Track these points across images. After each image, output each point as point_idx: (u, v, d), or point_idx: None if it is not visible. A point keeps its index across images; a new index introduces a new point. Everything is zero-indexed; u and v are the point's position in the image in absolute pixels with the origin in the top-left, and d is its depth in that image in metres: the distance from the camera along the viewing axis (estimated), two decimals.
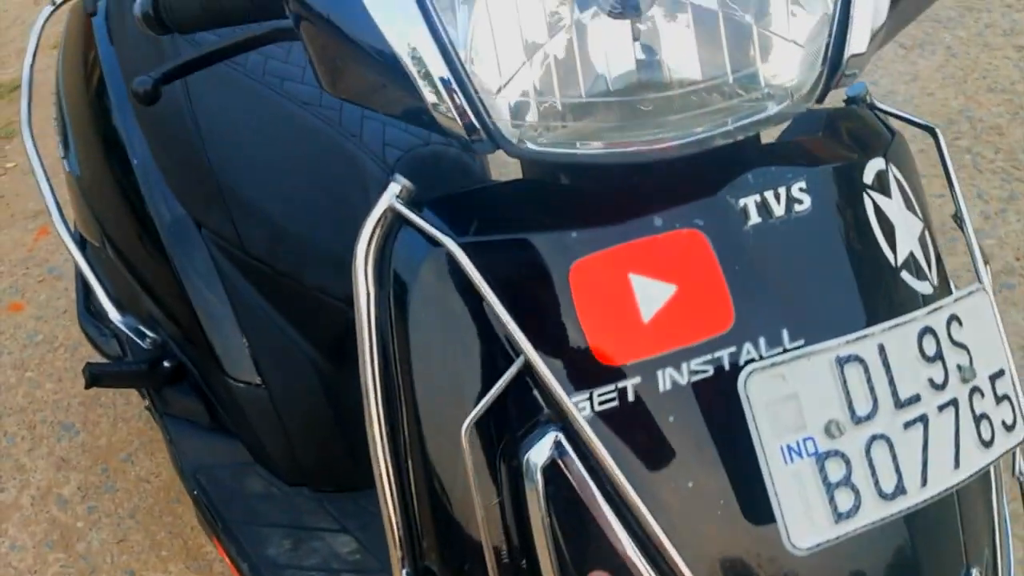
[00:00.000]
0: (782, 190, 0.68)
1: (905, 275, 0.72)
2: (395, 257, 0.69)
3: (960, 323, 0.68)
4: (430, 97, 0.62)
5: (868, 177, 0.73)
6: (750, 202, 0.67)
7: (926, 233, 0.77)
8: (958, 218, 0.80)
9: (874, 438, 0.63)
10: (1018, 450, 0.78)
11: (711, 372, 0.64)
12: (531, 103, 0.64)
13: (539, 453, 0.64)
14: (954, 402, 0.66)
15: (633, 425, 0.64)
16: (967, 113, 2.19)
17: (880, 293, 0.70)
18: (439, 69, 0.62)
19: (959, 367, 0.67)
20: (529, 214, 0.69)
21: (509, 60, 0.63)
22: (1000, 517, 0.76)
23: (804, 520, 0.62)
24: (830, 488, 0.62)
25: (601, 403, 0.64)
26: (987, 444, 0.67)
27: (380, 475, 0.69)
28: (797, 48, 0.64)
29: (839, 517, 0.62)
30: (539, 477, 0.63)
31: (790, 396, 0.62)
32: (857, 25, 0.62)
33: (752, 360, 0.64)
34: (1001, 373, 0.69)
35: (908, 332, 0.65)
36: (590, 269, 0.65)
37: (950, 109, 2.20)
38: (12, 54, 2.90)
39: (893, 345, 0.65)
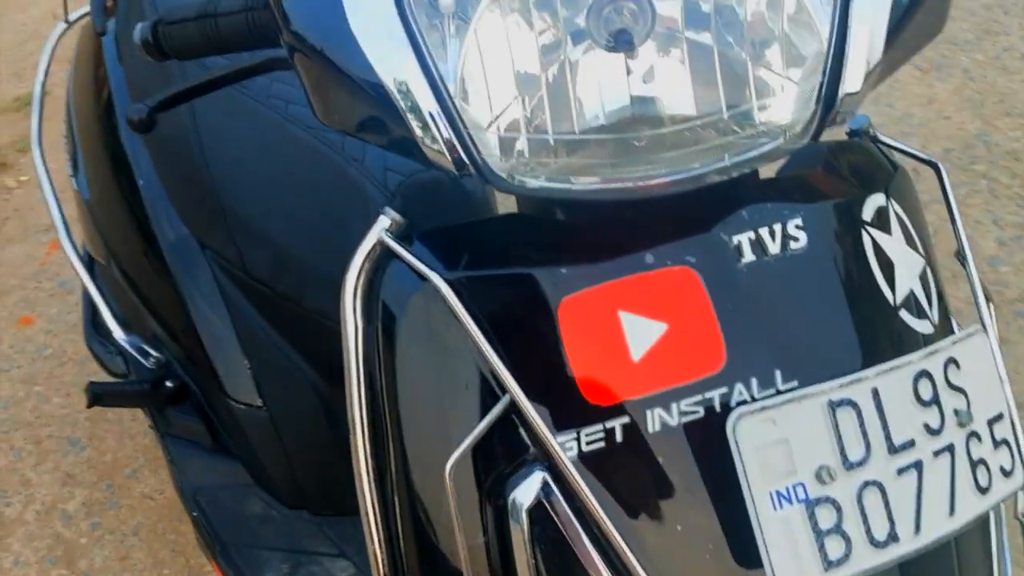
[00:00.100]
0: (777, 227, 0.67)
1: (904, 314, 0.71)
2: (384, 290, 0.68)
3: (958, 366, 0.66)
4: (418, 131, 0.62)
5: (867, 213, 0.72)
6: (744, 239, 0.66)
7: (928, 270, 0.76)
8: (960, 255, 0.78)
9: (866, 484, 0.62)
10: (1020, 491, 0.77)
11: (701, 413, 0.63)
12: (522, 138, 0.63)
13: (525, 493, 0.63)
14: (950, 447, 0.65)
15: (621, 466, 0.63)
16: (984, 137, 2.17)
17: (877, 333, 0.69)
18: (428, 103, 0.61)
19: (956, 411, 0.65)
20: (520, 249, 0.68)
21: (500, 94, 0.63)
22: (1000, 562, 0.74)
23: (793, 567, 0.61)
24: (820, 535, 0.61)
25: (588, 443, 0.63)
26: (984, 490, 0.65)
27: (366, 511, 0.69)
28: (792, 86, 0.63)
29: (829, 565, 0.61)
30: (524, 518, 0.62)
31: (780, 441, 0.61)
32: (852, 64, 0.61)
33: (744, 401, 0.63)
34: (1000, 417, 0.68)
35: (903, 376, 0.64)
36: (579, 306, 0.64)
37: (967, 133, 2.18)
38: (30, 67, 2.93)
39: (887, 389, 0.63)
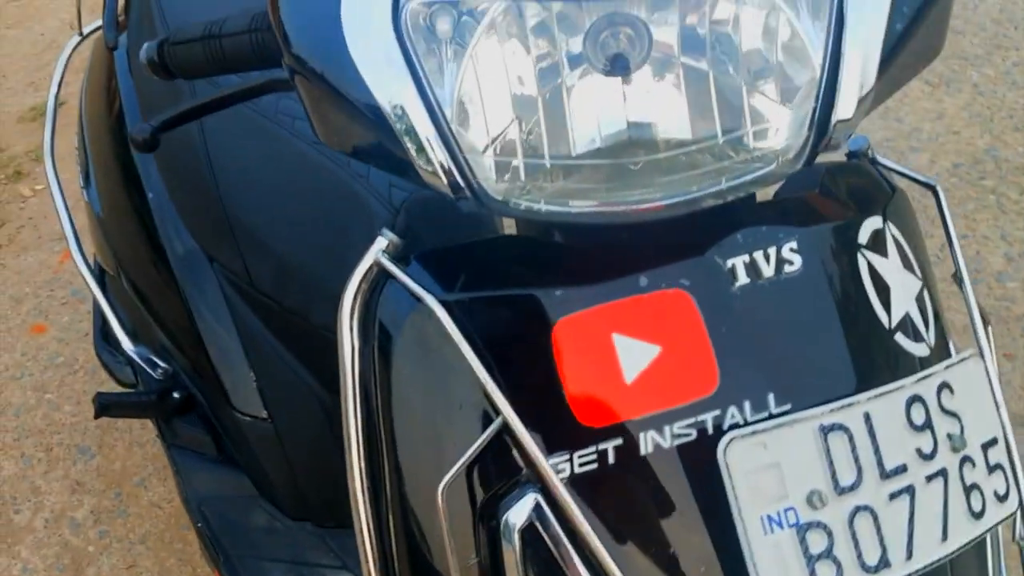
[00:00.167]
0: (772, 250, 0.67)
1: (900, 337, 0.71)
2: (381, 310, 0.69)
3: (951, 390, 0.66)
4: (414, 155, 0.62)
5: (863, 236, 0.72)
6: (739, 262, 0.67)
7: (925, 292, 0.76)
8: (958, 277, 0.79)
9: (858, 509, 0.62)
10: (1019, 514, 0.76)
11: (694, 436, 0.64)
12: (518, 162, 0.64)
13: (518, 514, 0.63)
14: (943, 472, 0.65)
15: (613, 488, 0.63)
16: (992, 152, 2.16)
17: (872, 356, 0.69)
18: (424, 127, 0.62)
19: (949, 436, 0.65)
20: (516, 270, 0.69)
21: (496, 119, 0.63)
22: None
23: None
24: (811, 560, 0.61)
25: (581, 465, 0.63)
26: (977, 515, 0.65)
27: (360, 528, 0.69)
28: (785, 112, 0.63)
29: None
30: (517, 539, 0.63)
31: (771, 465, 0.61)
32: (845, 90, 0.62)
33: (737, 424, 0.64)
34: (994, 442, 0.68)
35: (895, 400, 0.64)
36: (573, 328, 0.64)
37: (976, 148, 2.17)
38: (46, 77, 2.96)
39: (879, 414, 0.63)
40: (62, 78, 1.58)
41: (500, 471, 0.65)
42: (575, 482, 0.63)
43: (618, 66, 0.63)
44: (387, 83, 0.62)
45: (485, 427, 0.64)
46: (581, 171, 0.65)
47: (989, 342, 0.77)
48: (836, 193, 0.77)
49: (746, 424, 0.63)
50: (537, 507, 0.63)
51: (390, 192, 1.15)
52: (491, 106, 0.63)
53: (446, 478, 0.64)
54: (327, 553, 1.23)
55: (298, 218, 1.20)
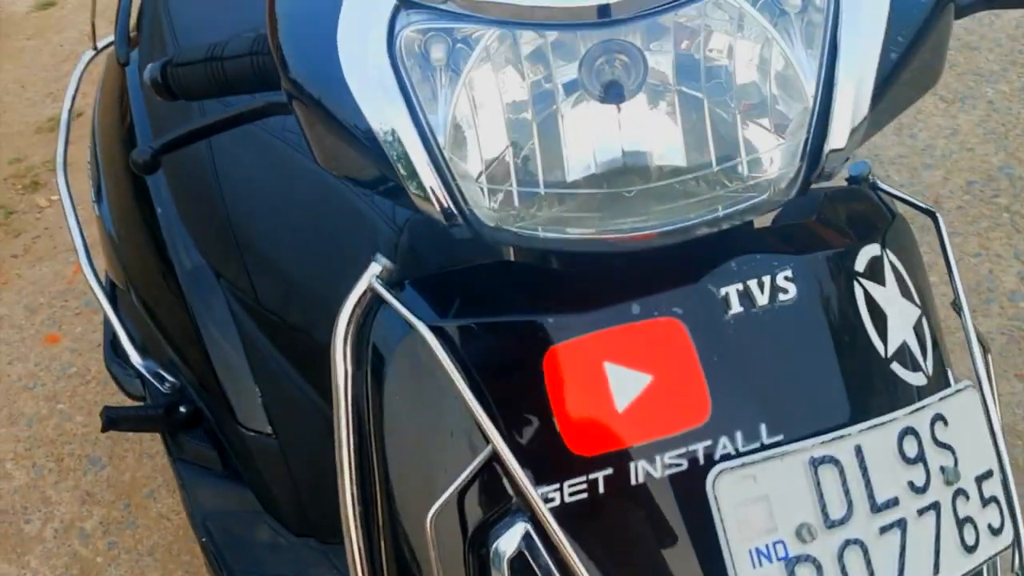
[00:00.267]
0: (766, 279, 0.67)
1: (896, 366, 0.70)
2: (374, 334, 0.69)
3: (946, 422, 0.66)
4: (408, 181, 0.63)
5: (860, 264, 0.72)
6: (732, 291, 0.66)
7: (923, 320, 0.75)
8: (956, 305, 0.78)
9: (848, 543, 0.62)
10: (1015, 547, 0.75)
11: (685, 466, 0.63)
12: (512, 188, 0.64)
13: (507, 543, 0.63)
14: (935, 505, 0.64)
15: (603, 518, 0.63)
16: (1007, 170, 2.14)
17: (867, 386, 0.68)
18: (417, 154, 0.62)
19: (942, 469, 0.65)
20: (508, 297, 0.69)
21: (490, 145, 0.63)
22: None
23: None
24: None
25: (572, 494, 0.63)
26: (970, 549, 0.65)
27: (351, 552, 0.69)
28: (779, 141, 0.63)
29: None
30: (506, 568, 0.63)
31: (760, 498, 0.61)
32: (837, 121, 0.61)
33: (728, 455, 0.63)
34: (989, 474, 0.67)
35: (888, 433, 0.64)
36: (564, 356, 0.64)
37: (990, 165, 2.16)
38: (65, 88, 2.99)
39: (871, 446, 0.63)
40: (76, 92, 1.60)
41: (490, 499, 0.65)
42: (565, 511, 0.63)
43: (613, 93, 0.63)
44: (381, 108, 0.62)
45: (476, 455, 0.64)
46: (575, 198, 0.65)
47: (988, 371, 0.77)
48: (834, 220, 0.77)
49: (738, 454, 0.63)
50: (527, 536, 0.63)
51: (394, 211, 1.16)
52: (485, 133, 0.63)
53: (436, 505, 0.64)
54: (330, 569, 1.23)
55: (302, 236, 1.20)
